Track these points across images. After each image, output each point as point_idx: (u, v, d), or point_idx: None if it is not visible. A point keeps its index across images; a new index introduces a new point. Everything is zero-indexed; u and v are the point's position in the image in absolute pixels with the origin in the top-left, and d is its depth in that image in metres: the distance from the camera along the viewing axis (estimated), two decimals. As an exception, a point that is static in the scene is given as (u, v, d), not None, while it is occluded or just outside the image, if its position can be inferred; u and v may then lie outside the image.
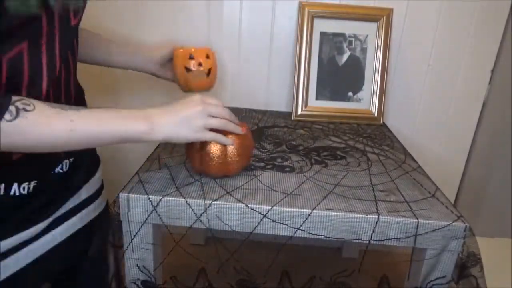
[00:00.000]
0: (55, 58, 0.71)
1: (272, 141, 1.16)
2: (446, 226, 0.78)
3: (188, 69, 1.16)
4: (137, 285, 0.89)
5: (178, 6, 1.42)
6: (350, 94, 1.43)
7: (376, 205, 0.83)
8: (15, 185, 0.72)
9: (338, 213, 0.80)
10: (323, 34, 1.39)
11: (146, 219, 0.83)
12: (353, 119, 1.41)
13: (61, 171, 0.80)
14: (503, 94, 1.53)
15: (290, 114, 1.44)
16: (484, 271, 0.80)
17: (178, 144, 1.08)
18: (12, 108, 0.60)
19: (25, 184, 0.73)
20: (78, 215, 0.87)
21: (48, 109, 0.64)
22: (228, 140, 0.84)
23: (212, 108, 0.81)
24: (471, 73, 1.49)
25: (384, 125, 1.42)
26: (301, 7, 1.37)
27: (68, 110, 0.66)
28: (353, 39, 1.40)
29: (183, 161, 0.98)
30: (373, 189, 0.90)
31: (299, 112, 1.41)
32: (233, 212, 0.81)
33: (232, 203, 0.81)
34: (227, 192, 0.84)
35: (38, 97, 0.66)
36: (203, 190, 0.85)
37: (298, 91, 1.40)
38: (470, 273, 0.79)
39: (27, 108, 0.61)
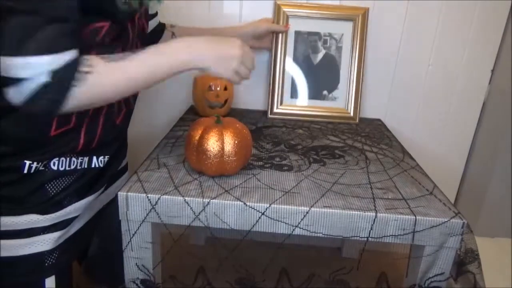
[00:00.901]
0: None
1: (270, 141, 1.17)
2: (444, 223, 0.79)
3: (205, 98, 1.32)
4: (137, 284, 0.89)
5: (177, 5, 1.42)
6: (325, 92, 1.43)
7: (374, 202, 0.83)
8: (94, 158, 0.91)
9: (336, 211, 0.80)
10: (298, 33, 1.41)
11: (145, 218, 0.83)
12: (328, 118, 1.42)
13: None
14: (503, 94, 1.53)
15: (265, 112, 1.46)
16: (483, 268, 0.80)
17: (177, 144, 1.09)
18: (79, 72, 0.70)
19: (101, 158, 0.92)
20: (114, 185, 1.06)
21: (104, 65, 0.74)
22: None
23: (247, 58, 0.90)
24: (471, 73, 1.49)
25: (359, 124, 1.42)
26: (277, 7, 1.39)
27: (120, 61, 0.76)
28: (328, 38, 1.41)
29: (181, 160, 0.99)
30: (371, 187, 0.90)
31: (275, 110, 1.43)
32: (231, 210, 0.81)
33: (231, 201, 0.81)
34: (226, 191, 0.85)
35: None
36: (201, 188, 0.85)
37: (274, 89, 1.42)
38: (468, 270, 0.79)
39: (89, 69, 0.71)
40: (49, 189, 0.85)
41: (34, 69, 0.65)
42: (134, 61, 0.77)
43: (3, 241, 0.81)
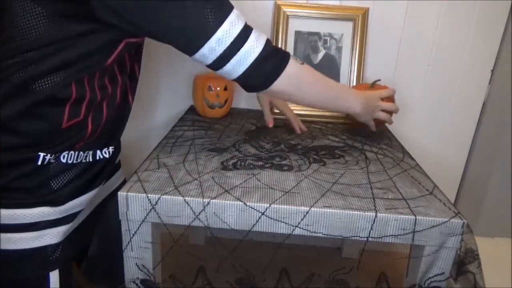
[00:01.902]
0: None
1: (270, 141, 1.17)
2: (444, 222, 0.79)
3: (205, 98, 1.32)
4: (137, 284, 0.89)
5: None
6: None
7: (374, 202, 0.83)
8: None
9: (336, 211, 0.80)
10: (298, 33, 1.41)
11: (145, 217, 0.83)
12: (328, 118, 1.42)
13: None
14: (503, 94, 1.53)
15: None
16: (483, 268, 0.80)
17: (177, 144, 1.09)
18: (292, 58, 0.88)
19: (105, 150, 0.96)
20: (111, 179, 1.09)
21: (311, 68, 0.94)
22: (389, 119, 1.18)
23: (386, 106, 1.15)
24: (471, 73, 1.49)
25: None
26: (277, 7, 1.39)
27: (324, 76, 0.96)
28: (328, 38, 1.41)
29: (181, 160, 0.99)
30: (371, 187, 0.90)
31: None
32: (231, 210, 0.81)
33: (231, 201, 0.81)
34: (226, 191, 0.85)
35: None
36: (201, 188, 0.85)
37: None
38: (468, 270, 0.79)
39: (299, 61, 0.90)
40: (59, 182, 0.87)
41: (236, 23, 0.80)
42: (333, 83, 0.99)
43: (12, 235, 0.82)
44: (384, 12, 1.42)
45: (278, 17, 1.39)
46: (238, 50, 0.80)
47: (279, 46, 1.39)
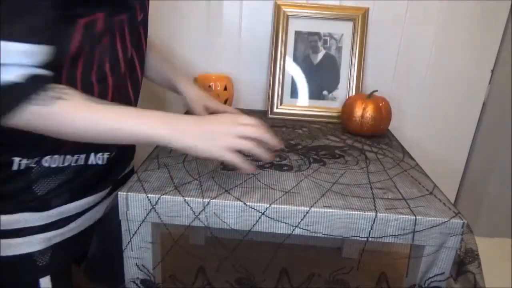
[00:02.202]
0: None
1: (271, 141, 1.17)
2: (444, 222, 0.78)
3: None
4: (137, 284, 0.89)
5: (178, 5, 1.43)
6: (325, 92, 1.44)
7: (374, 202, 0.83)
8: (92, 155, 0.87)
9: (336, 211, 0.80)
10: (298, 33, 1.41)
11: (145, 217, 0.83)
12: (328, 118, 1.43)
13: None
14: (503, 94, 1.53)
15: (265, 112, 1.46)
16: (483, 268, 0.80)
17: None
18: (45, 94, 0.64)
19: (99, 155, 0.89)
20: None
21: (79, 102, 0.68)
22: (249, 168, 0.79)
23: (244, 129, 0.76)
24: (471, 73, 1.49)
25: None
26: (277, 7, 1.39)
27: (98, 105, 0.69)
28: (328, 38, 1.41)
29: (181, 160, 0.99)
30: (371, 187, 0.90)
31: (275, 110, 1.43)
32: (231, 210, 0.81)
33: (231, 201, 0.81)
34: (226, 191, 0.85)
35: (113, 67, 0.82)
36: (201, 188, 0.85)
37: (274, 89, 1.43)
38: (468, 270, 0.79)
39: (63, 97, 0.65)
40: (43, 187, 0.82)
41: (7, 55, 0.61)
42: (112, 113, 0.71)
43: None
44: (384, 12, 1.42)
45: (278, 17, 1.39)
46: None
47: (279, 46, 1.40)
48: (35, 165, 0.81)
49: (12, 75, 0.61)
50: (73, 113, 0.67)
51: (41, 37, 0.64)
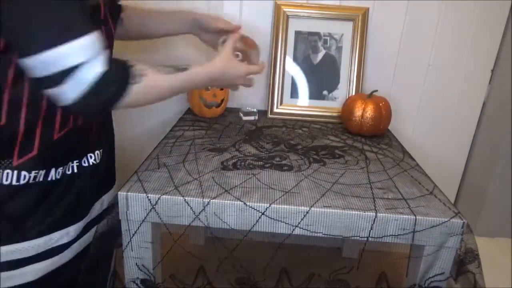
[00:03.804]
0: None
1: (270, 141, 1.17)
2: (444, 222, 0.79)
3: (202, 98, 1.34)
4: (137, 284, 0.89)
5: (178, 6, 1.42)
6: (325, 92, 1.44)
7: (374, 202, 0.83)
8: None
9: (336, 211, 0.80)
10: (298, 33, 1.41)
11: (145, 217, 0.83)
12: (328, 118, 1.42)
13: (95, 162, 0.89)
14: (503, 94, 1.53)
15: (265, 112, 1.45)
16: (483, 268, 0.80)
17: (177, 144, 1.09)
18: (134, 73, 0.74)
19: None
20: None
21: (155, 74, 0.79)
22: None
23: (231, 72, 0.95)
24: (471, 73, 1.49)
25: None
26: (277, 7, 1.40)
27: (168, 75, 0.83)
28: (328, 38, 1.41)
29: (181, 160, 0.99)
30: (371, 187, 0.90)
31: (275, 110, 1.43)
32: (231, 210, 0.81)
33: (231, 201, 0.81)
34: (226, 191, 0.85)
35: None
36: (201, 188, 0.85)
37: (274, 89, 1.43)
38: (468, 270, 0.79)
39: (142, 72, 0.76)
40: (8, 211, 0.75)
41: (81, 53, 0.66)
42: (177, 78, 0.84)
43: None
44: (384, 12, 1.42)
45: (278, 17, 1.39)
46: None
47: (279, 46, 1.40)
48: None
49: (98, 67, 0.68)
50: (157, 85, 0.80)
51: (92, 24, 0.69)
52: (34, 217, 0.77)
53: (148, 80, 0.77)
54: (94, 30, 0.68)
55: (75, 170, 0.84)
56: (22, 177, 0.74)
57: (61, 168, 0.80)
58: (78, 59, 0.65)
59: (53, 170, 0.79)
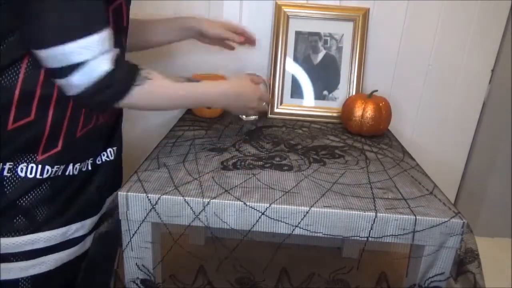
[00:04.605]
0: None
1: (270, 141, 1.17)
2: (444, 222, 0.79)
3: None
4: (137, 284, 0.89)
5: (178, 6, 1.43)
6: (325, 92, 1.44)
7: (374, 202, 0.83)
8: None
9: (336, 211, 0.80)
10: (298, 33, 1.41)
11: (145, 217, 0.83)
12: (328, 118, 1.42)
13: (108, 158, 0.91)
14: (503, 94, 1.53)
15: (265, 112, 1.44)
16: (483, 268, 0.80)
17: (177, 144, 1.09)
18: (140, 75, 0.77)
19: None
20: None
21: (162, 80, 0.82)
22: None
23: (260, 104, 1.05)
24: (471, 73, 1.49)
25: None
26: (277, 7, 1.40)
27: (175, 83, 0.86)
28: (328, 38, 1.41)
29: (181, 160, 0.99)
30: (371, 187, 0.90)
31: (275, 110, 1.43)
32: (231, 210, 0.81)
33: (231, 201, 0.81)
34: (226, 190, 0.85)
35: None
36: (201, 188, 0.85)
37: (274, 89, 1.43)
38: (468, 269, 0.79)
39: (149, 76, 0.79)
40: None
41: (89, 50, 0.69)
42: (184, 86, 0.88)
43: None
44: (384, 12, 1.42)
45: (279, 17, 1.39)
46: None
47: (280, 46, 1.40)
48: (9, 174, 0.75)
49: (104, 65, 0.71)
50: (162, 90, 0.83)
51: (104, 22, 0.72)
52: (51, 209, 0.80)
53: (153, 84, 0.80)
54: (105, 28, 0.71)
55: (89, 168, 0.87)
56: (45, 171, 0.77)
57: (79, 164, 0.83)
58: (86, 56, 0.69)
59: (71, 166, 0.82)
